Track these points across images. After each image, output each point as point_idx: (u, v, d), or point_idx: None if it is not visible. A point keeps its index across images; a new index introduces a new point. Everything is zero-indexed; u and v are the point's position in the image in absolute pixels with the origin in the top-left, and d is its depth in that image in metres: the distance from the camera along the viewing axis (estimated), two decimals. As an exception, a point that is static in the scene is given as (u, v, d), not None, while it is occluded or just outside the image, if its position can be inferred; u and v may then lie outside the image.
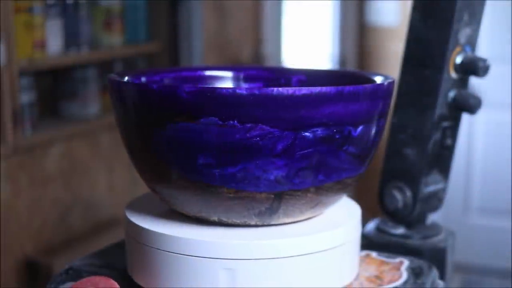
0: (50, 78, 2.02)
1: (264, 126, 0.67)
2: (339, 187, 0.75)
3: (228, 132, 0.67)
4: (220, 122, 0.67)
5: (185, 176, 0.71)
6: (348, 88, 0.69)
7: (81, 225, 2.01)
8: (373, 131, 0.74)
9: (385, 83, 0.74)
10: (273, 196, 0.71)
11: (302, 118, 0.67)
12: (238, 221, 0.74)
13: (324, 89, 0.67)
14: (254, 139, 0.67)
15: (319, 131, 0.69)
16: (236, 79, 0.93)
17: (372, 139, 0.75)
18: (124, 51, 2.13)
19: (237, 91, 0.66)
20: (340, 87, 0.68)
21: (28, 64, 1.74)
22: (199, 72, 0.93)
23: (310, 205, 0.74)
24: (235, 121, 0.67)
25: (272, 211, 0.72)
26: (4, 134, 1.67)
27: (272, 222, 0.75)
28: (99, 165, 2.07)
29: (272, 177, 0.69)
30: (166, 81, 0.88)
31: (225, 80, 0.93)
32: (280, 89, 0.66)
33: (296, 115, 0.67)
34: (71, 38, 1.92)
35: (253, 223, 0.74)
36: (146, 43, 2.22)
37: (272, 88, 0.67)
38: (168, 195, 0.75)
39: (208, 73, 0.93)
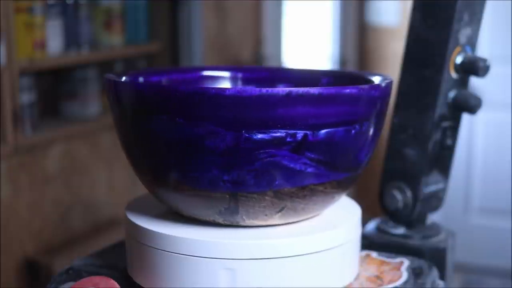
0: (50, 78, 2.02)
1: (208, 124, 0.67)
2: (308, 194, 0.72)
3: (176, 129, 0.68)
4: (168, 119, 0.68)
5: (162, 175, 0.73)
6: (296, 90, 0.66)
7: (81, 225, 2.01)
8: (343, 136, 0.70)
9: (348, 90, 0.70)
10: (227, 196, 0.71)
11: (246, 118, 0.67)
12: (208, 219, 0.74)
13: (271, 90, 0.66)
14: (199, 137, 0.68)
15: (267, 134, 0.67)
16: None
17: (343, 144, 0.71)
18: (124, 51, 2.13)
19: (179, 88, 0.67)
20: (289, 89, 0.66)
21: (28, 64, 1.74)
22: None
23: (275, 209, 0.72)
24: (182, 119, 0.68)
25: (231, 211, 0.72)
26: (4, 134, 1.67)
27: (241, 223, 0.74)
28: (99, 165, 2.07)
29: (222, 177, 0.69)
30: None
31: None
32: (220, 88, 0.67)
33: (240, 115, 0.66)
34: (71, 38, 1.92)
35: (221, 221, 0.74)
36: (146, 43, 2.22)
37: (212, 88, 0.68)
38: (161, 195, 0.77)
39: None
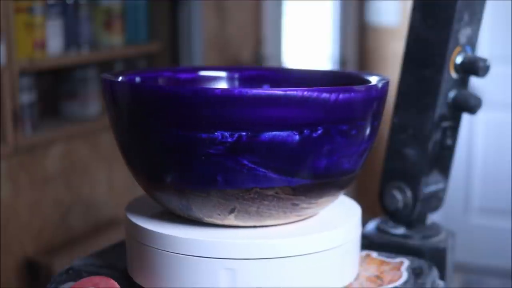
0: (50, 78, 2.02)
1: (161, 122, 0.69)
2: (256, 197, 0.71)
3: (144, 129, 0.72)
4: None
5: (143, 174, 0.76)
6: (230, 90, 0.66)
7: (81, 225, 2.01)
8: (287, 141, 0.68)
9: (292, 92, 0.66)
10: (177, 192, 0.73)
11: (180, 116, 0.68)
12: (178, 214, 0.76)
13: (205, 89, 0.67)
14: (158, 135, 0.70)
15: (203, 133, 0.67)
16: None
17: (290, 150, 0.68)
18: (124, 51, 2.13)
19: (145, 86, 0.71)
20: (221, 89, 0.66)
21: (28, 64, 1.74)
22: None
23: (225, 209, 0.72)
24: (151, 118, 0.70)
25: (187, 207, 0.74)
26: (4, 134, 1.67)
27: (204, 220, 0.75)
28: (99, 165, 2.07)
29: (171, 174, 0.72)
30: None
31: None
32: (158, 86, 0.70)
33: (175, 113, 0.68)
34: (71, 38, 1.92)
35: (187, 217, 0.76)
36: (146, 43, 2.22)
37: (148, 84, 0.71)
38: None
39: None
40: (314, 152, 0.69)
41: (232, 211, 0.72)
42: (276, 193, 0.71)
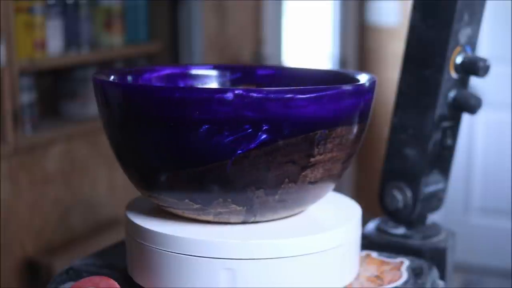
0: (50, 78, 2.02)
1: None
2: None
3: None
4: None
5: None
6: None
7: (81, 225, 2.01)
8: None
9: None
10: None
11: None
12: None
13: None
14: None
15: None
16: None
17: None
18: (125, 51, 2.13)
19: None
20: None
21: (28, 64, 1.75)
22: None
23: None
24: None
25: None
26: (4, 134, 1.67)
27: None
28: (99, 165, 2.07)
29: None
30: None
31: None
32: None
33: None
34: (71, 38, 1.92)
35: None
36: (146, 43, 2.22)
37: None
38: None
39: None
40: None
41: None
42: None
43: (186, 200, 0.73)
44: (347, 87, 0.73)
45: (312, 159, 0.71)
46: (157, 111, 0.69)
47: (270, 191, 0.72)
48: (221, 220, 0.75)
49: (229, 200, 0.72)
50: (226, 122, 0.67)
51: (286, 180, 0.71)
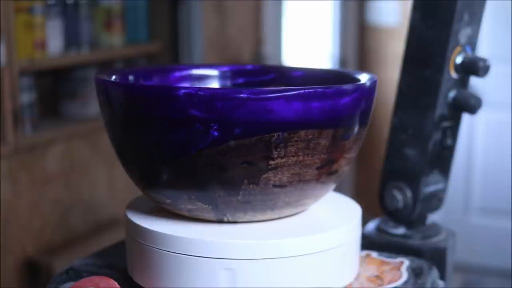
0: (50, 78, 2.02)
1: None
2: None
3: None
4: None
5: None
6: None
7: (81, 225, 2.01)
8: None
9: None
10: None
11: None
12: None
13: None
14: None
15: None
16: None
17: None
18: (125, 51, 2.13)
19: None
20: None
21: (28, 64, 1.74)
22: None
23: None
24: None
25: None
26: (4, 134, 1.67)
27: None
28: (99, 165, 2.07)
29: None
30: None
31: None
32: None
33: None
34: (71, 38, 1.92)
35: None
36: (146, 43, 2.22)
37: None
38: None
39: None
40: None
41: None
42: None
43: (160, 195, 0.75)
44: (309, 90, 0.69)
45: (271, 162, 0.70)
46: (137, 109, 0.71)
47: (231, 192, 0.71)
48: (195, 216, 0.75)
49: (193, 197, 0.72)
50: (179, 120, 0.68)
51: (246, 181, 0.70)
